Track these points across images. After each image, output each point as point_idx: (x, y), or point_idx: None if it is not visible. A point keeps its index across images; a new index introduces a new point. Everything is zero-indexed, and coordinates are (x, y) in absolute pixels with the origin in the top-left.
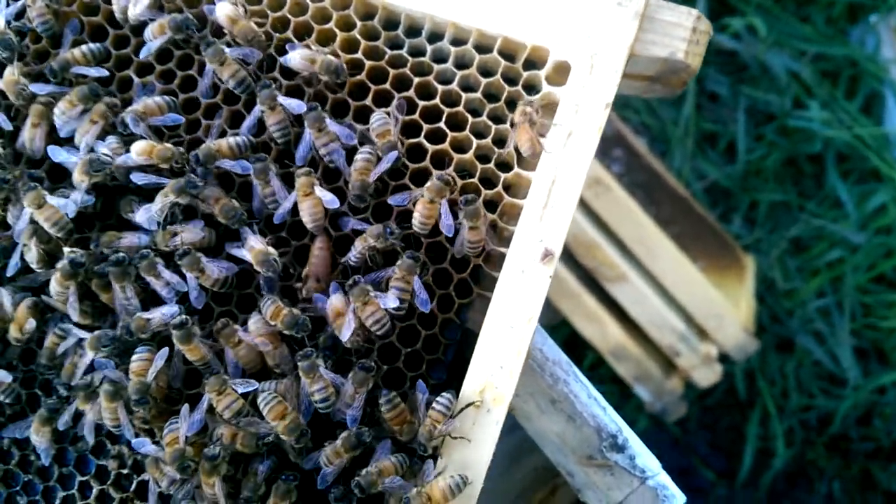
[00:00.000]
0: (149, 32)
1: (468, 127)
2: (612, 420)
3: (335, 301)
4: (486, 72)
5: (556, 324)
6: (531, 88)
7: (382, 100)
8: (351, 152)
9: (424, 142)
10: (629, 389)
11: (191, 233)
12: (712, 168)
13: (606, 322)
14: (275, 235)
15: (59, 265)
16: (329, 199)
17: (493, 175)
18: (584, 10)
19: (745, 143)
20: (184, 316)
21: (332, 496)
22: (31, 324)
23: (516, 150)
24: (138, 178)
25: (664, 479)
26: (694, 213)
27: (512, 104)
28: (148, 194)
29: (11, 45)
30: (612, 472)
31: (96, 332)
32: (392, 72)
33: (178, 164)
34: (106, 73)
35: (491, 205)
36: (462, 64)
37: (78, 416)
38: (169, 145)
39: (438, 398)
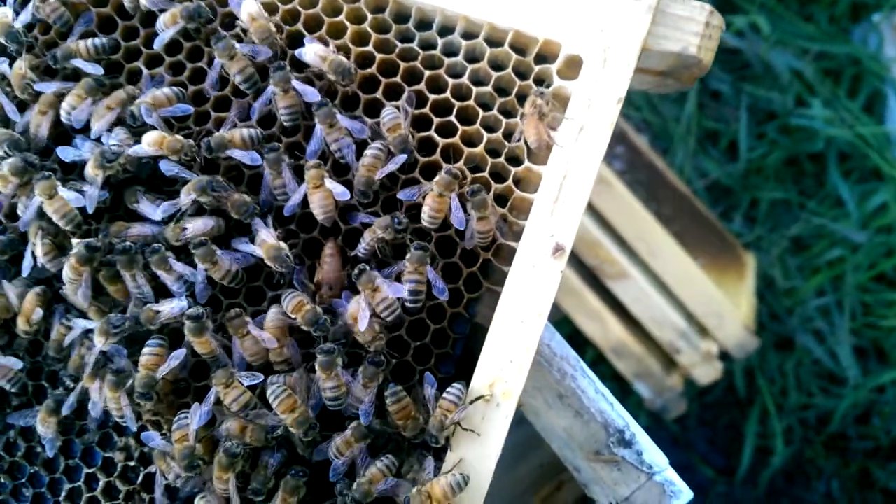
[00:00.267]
0: (161, 22)
1: (479, 121)
2: (620, 415)
3: (353, 306)
4: (497, 66)
5: (557, 321)
6: (542, 83)
7: (393, 93)
8: (361, 146)
9: (435, 135)
10: (629, 386)
11: (200, 224)
12: (714, 166)
13: (607, 319)
14: (284, 228)
15: (75, 250)
16: (340, 192)
17: (504, 169)
18: (597, 4)
19: (747, 142)
20: (199, 308)
21: (340, 489)
22: (38, 313)
23: (525, 142)
24: (166, 167)
25: (671, 474)
26: (695, 210)
27: (523, 98)
28: (154, 186)
29: (19, 39)
30: (620, 468)
31: (106, 317)
32: (403, 65)
33: (188, 157)
34: (101, 70)
35: (501, 199)
36: (473, 58)
37: (83, 409)
38: (179, 137)
39: (449, 388)
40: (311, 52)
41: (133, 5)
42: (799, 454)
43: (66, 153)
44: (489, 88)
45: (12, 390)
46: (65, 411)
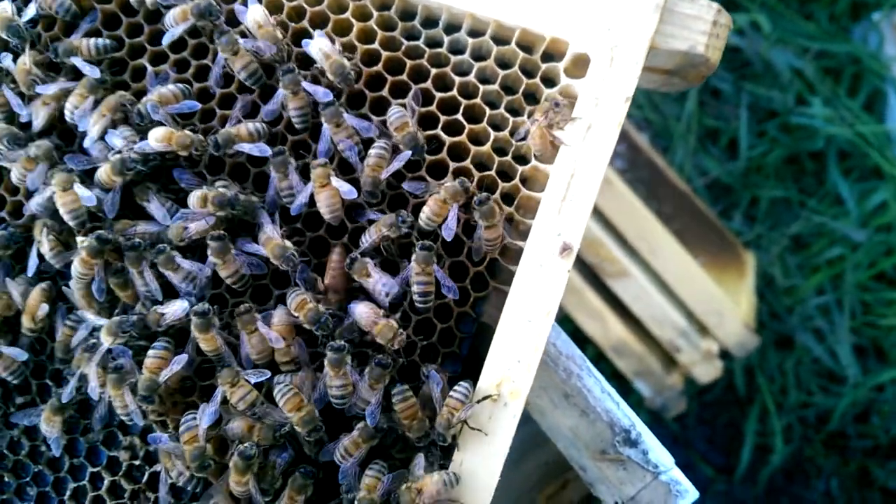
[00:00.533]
0: (170, 18)
1: (485, 119)
2: (626, 415)
3: (363, 309)
4: (504, 64)
5: (557, 319)
6: (549, 81)
7: (399, 91)
8: (366, 145)
9: (442, 133)
10: (629, 385)
11: (203, 224)
12: (714, 164)
13: (607, 318)
14: (290, 227)
15: (85, 243)
16: (347, 190)
17: (511, 168)
18: (605, 3)
19: (747, 140)
20: (206, 304)
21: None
22: (44, 309)
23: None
24: (179, 175)
25: (677, 474)
26: (695, 209)
27: (530, 97)
28: (154, 179)
29: (20, 33)
30: (625, 467)
31: (114, 319)
32: (409, 63)
33: (198, 152)
34: (98, 73)
35: (508, 198)
36: (479, 56)
37: (88, 406)
38: (188, 132)
39: (456, 386)
40: (317, 47)
41: (139, 0)
42: (798, 453)
43: (76, 163)
44: (496, 86)
45: (14, 381)
46: (64, 399)
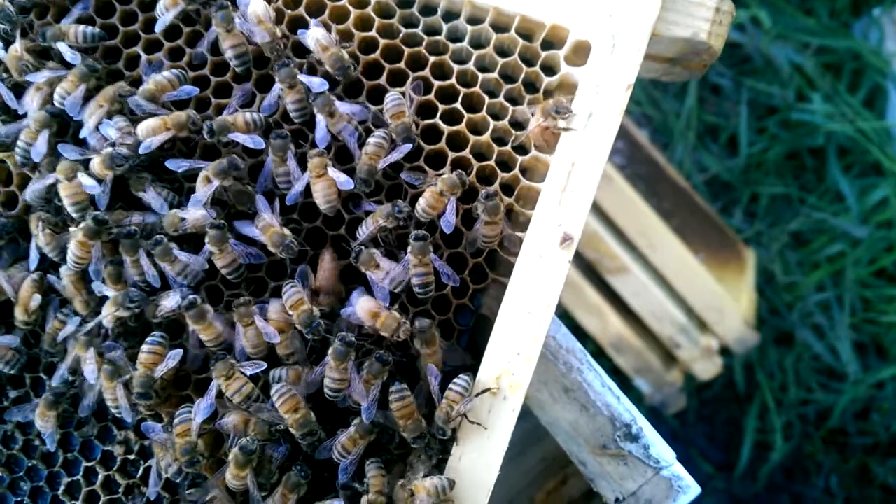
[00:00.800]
0: (161, 5)
1: (484, 108)
2: (627, 409)
3: (366, 300)
4: (503, 52)
5: (556, 315)
6: (549, 69)
7: (397, 79)
8: (368, 134)
9: (440, 123)
10: (629, 381)
11: (198, 215)
12: (714, 161)
13: (607, 314)
14: (284, 217)
15: (81, 225)
16: (343, 181)
17: (510, 158)
18: None
19: (747, 136)
20: (192, 295)
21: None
22: (37, 299)
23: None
24: (174, 165)
25: (678, 469)
26: (695, 205)
27: (529, 86)
28: (159, 173)
29: (11, 17)
30: (626, 462)
31: (124, 291)
32: (407, 51)
33: (195, 127)
34: (79, 61)
35: (508, 188)
36: (478, 43)
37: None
38: (179, 112)
39: (456, 379)
40: (313, 38)
41: None
42: (798, 450)
43: (69, 152)
44: (495, 75)
45: (10, 372)
46: (54, 382)
